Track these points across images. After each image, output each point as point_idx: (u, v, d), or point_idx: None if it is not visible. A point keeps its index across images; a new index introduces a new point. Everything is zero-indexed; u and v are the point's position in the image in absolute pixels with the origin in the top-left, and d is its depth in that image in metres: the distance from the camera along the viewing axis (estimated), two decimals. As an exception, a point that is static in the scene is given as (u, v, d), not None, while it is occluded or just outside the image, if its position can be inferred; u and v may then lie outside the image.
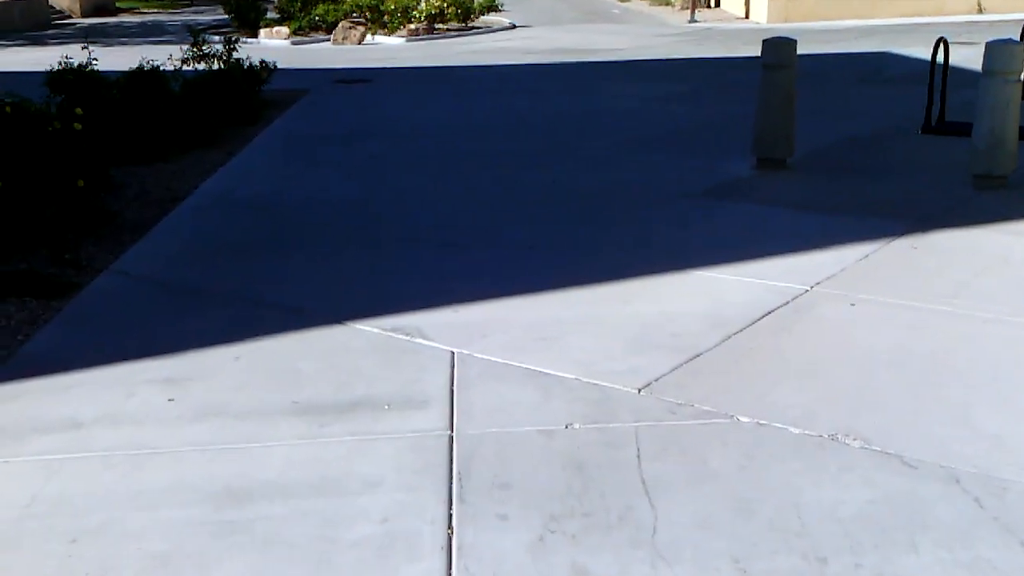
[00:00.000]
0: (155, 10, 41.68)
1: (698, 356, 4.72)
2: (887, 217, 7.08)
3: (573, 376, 4.53)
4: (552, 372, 4.59)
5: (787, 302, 5.42)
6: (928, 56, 17.34)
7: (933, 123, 10.47)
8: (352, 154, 10.05)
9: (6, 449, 4.11)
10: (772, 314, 5.24)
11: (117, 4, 41.97)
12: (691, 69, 17.23)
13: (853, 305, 5.37)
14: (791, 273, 5.89)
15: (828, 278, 5.79)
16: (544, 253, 6.53)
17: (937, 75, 10.27)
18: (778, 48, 8.76)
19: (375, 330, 5.19)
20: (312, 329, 5.24)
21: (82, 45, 10.51)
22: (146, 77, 11.33)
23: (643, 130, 10.99)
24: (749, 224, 7.07)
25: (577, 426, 4.06)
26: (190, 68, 12.76)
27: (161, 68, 11.45)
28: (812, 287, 5.64)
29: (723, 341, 4.90)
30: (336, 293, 5.81)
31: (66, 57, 10.23)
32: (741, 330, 5.03)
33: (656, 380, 4.46)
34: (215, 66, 12.90)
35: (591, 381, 4.47)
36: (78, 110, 7.28)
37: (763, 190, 8.09)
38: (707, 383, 4.44)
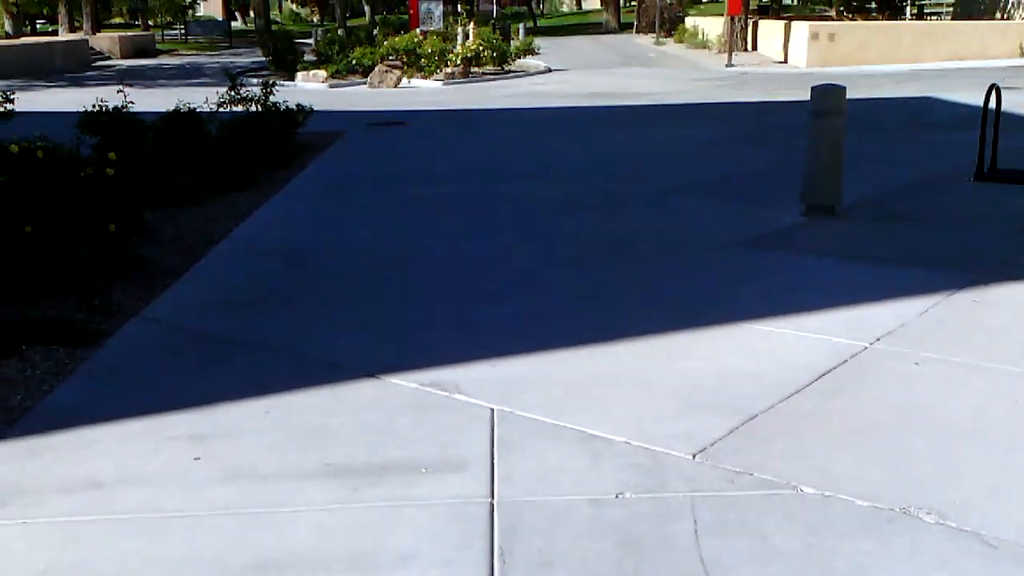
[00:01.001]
0: (194, 52, 42.20)
1: (754, 418, 4.44)
2: (944, 269, 6.77)
3: (622, 439, 4.26)
4: (599, 434, 4.32)
5: (846, 360, 5.12)
6: (972, 101, 17.27)
7: (985, 170, 10.17)
8: (386, 199, 9.88)
9: (25, 509, 3.89)
10: (831, 373, 4.95)
11: (157, 46, 42.53)
12: (731, 113, 17.03)
13: (917, 364, 5.07)
14: (849, 328, 5.60)
15: (888, 334, 5.49)
16: (586, 303, 6.27)
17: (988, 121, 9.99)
18: (827, 94, 8.51)
19: (411, 385, 4.95)
20: (345, 383, 5.00)
21: (117, 89, 10.42)
22: (182, 119, 11.27)
23: (686, 176, 10.75)
24: (801, 275, 6.79)
25: (628, 495, 3.78)
26: (226, 111, 12.71)
27: (197, 110, 11.39)
28: (871, 344, 5.35)
29: (780, 402, 4.61)
30: (370, 345, 5.57)
31: (100, 100, 10.15)
32: (799, 390, 4.74)
33: (711, 445, 4.18)
34: (252, 108, 12.85)
35: (642, 445, 4.19)
36: (112, 155, 7.14)
37: (814, 239, 7.80)
38: (766, 449, 4.15)
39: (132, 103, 10.67)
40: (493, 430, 4.39)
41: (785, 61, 28.29)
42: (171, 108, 11.05)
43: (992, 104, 9.98)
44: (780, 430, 4.33)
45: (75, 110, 10.59)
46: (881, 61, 26.40)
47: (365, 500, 3.83)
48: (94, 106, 10.41)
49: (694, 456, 4.09)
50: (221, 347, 5.65)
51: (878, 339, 5.41)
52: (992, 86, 10.13)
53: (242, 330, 5.93)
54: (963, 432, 4.30)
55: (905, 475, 3.92)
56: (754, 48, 32.03)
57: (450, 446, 4.26)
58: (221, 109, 12.54)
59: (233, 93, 12.90)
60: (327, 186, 10.73)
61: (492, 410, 4.61)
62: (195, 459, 4.23)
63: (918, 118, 15.66)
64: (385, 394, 4.87)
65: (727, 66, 27.56)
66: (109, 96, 10.51)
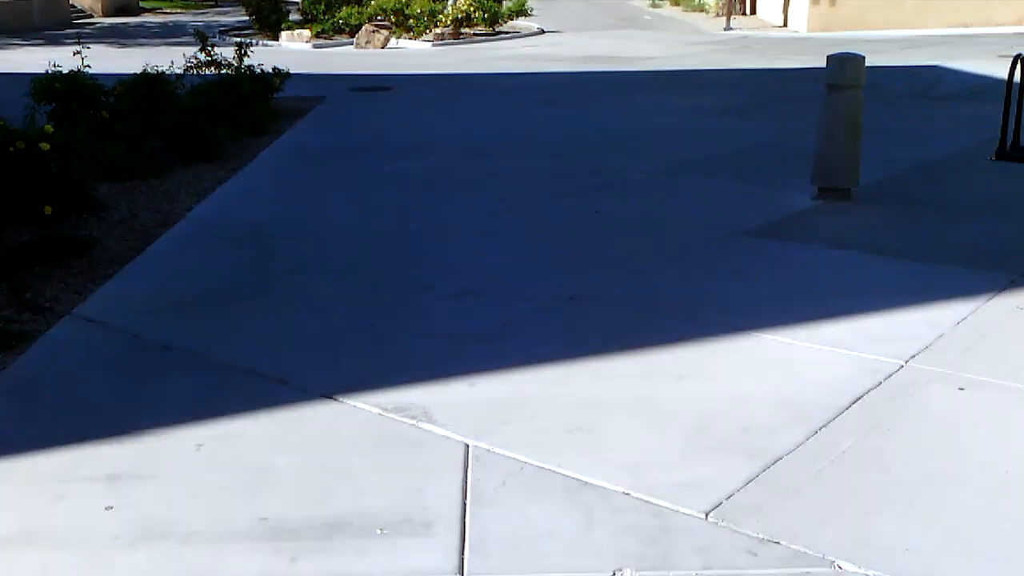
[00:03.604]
0: (179, 10, 41.00)
1: (778, 462, 3.73)
2: (978, 267, 6.07)
3: (621, 489, 3.55)
4: (593, 481, 3.61)
5: (879, 383, 4.41)
6: (982, 71, 16.49)
7: (1008, 147, 9.43)
8: (364, 173, 9.10)
9: None
10: (862, 401, 4.24)
11: (140, 4, 41.35)
12: (732, 81, 16.20)
13: (962, 390, 4.36)
14: (877, 341, 4.89)
15: (923, 349, 4.78)
16: (579, 307, 5.53)
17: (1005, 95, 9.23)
18: (844, 65, 7.73)
19: (372, 409, 4.23)
20: (296, 406, 4.28)
21: (74, 51, 9.59)
22: (148, 84, 10.46)
23: (687, 151, 9.98)
24: (818, 272, 6.07)
25: (628, 574, 3.07)
26: (196, 74, 11.88)
27: (165, 74, 10.58)
28: (906, 361, 4.64)
29: (806, 440, 3.90)
30: (328, 357, 4.83)
31: (53, 64, 9.34)
32: (827, 424, 4.03)
33: (728, 498, 3.47)
34: (225, 71, 12.03)
35: (644, 498, 3.49)
36: (48, 127, 6.36)
37: (829, 228, 7.06)
38: (793, 506, 3.45)
39: (89, 65, 9.88)
40: (467, 475, 3.67)
41: (785, 25, 27.37)
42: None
43: (1017, 78, 9.24)
44: (809, 479, 3.62)
45: (44, 71, 9.81)
46: (884, 26, 25.52)
47: (304, 575, 3.12)
48: (48, 70, 9.64)
49: (707, 515, 3.39)
50: (159, 356, 4.91)
51: (913, 356, 4.70)
52: (1017, 57, 9.36)
53: (186, 334, 5.18)
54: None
55: (960, 545, 3.23)
56: (752, 12, 31.05)
57: (414, 495, 3.55)
58: (190, 73, 11.73)
59: (203, 55, 12.06)
60: (301, 158, 9.94)
61: (466, 446, 3.89)
62: (107, 508, 3.52)
63: (928, 88, 14.88)
64: (342, 422, 4.14)
65: (725, 30, 26.64)
66: (86, 55, 9.67)
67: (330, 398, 4.35)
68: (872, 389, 4.35)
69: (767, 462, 3.72)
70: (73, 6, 35.59)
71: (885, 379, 4.45)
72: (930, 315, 5.24)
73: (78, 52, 9.63)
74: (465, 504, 3.48)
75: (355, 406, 4.26)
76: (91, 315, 5.49)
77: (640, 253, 6.49)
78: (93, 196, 7.70)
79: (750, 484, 3.57)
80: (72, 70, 9.73)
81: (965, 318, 5.19)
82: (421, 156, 9.91)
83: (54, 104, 9.66)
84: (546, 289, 5.78)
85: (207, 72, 12.03)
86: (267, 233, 7.14)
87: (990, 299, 5.46)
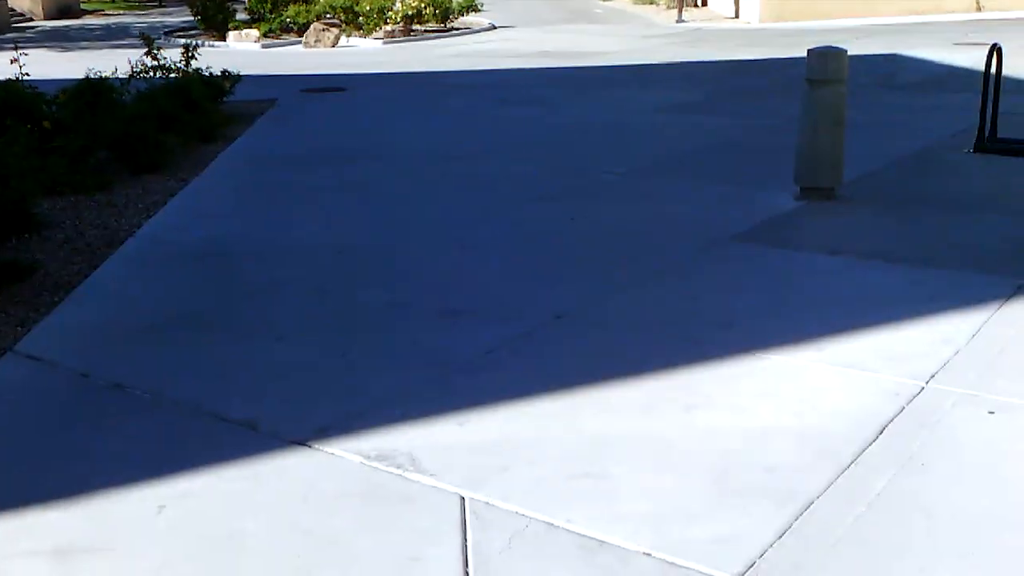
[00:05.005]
0: (121, 11, 40.07)
1: (810, 507, 3.36)
2: (980, 270, 5.77)
3: (642, 548, 3.16)
4: (608, 539, 3.21)
5: (902, 408, 4.07)
6: (941, 59, 16.33)
7: (985, 139, 9.19)
8: (323, 181, 8.64)
9: None
10: (889, 430, 3.89)
11: (82, 5, 40.36)
12: (692, 74, 15.90)
13: (992, 413, 4.03)
14: (892, 359, 4.54)
15: (942, 367, 4.45)
16: (567, 327, 5.13)
17: (982, 85, 8.97)
18: (826, 60, 7.40)
19: (352, 458, 3.80)
20: (266, 456, 3.84)
21: (11, 58, 9.03)
22: (92, 91, 9.93)
23: (656, 149, 9.63)
24: (814, 281, 5.72)
25: (664, 658, 2.69)
26: (147, 77, 11.35)
27: (109, 79, 10.06)
28: (926, 382, 4.30)
29: (836, 479, 3.54)
30: (299, 394, 4.39)
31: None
32: (856, 459, 3.67)
33: (760, 556, 3.09)
34: (172, 76, 11.49)
35: (669, 559, 3.09)
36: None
37: (818, 231, 6.75)
38: (836, 563, 3.07)
39: (27, 74, 9.33)
40: (466, 536, 3.26)
41: (736, 16, 27.17)
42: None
43: (992, 69, 8.99)
44: (848, 527, 3.25)
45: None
46: (836, 15, 25.38)
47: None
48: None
49: (741, 579, 3.01)
50: (110, 398, 4.43)
51: (933, 375, 4.36)
52: (993, 47, 9.10)
53: (140, 370, 4.71)
54: (1087, 526, 3.27)
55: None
56: (704, 3, 30.83)
57: (409, 567, 3.13)
58: (136, 77, 11.19)
59: (149, 59, 11.52)
60: (255, 166, 9.45)
61: (462, 499, 3.48)
62: (54, 593, 3.08)
63: (890, 78, 14.67)
64: (320, 474, 3.71)
65: (678, 22, 26.41)
66: (28, 60, 9.11)
67: (303, 444, 3.91)
68: (896, 416, 4.00)
69: (799, 508, 3.35)
70: (12, 9, 34.59)
71: (908, 404, 4.11)
72: (941, 327, 4.91)
73: (15, 60, 9.09)
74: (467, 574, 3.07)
75: (331, 454, 3.84)
76: (34, 351, 5.00)
77: (624, 263, 6.11)
78: (34, 214, 7.20)
79: (785, 537, 3.19)
80: (9, 78, 9.18)
81: (979, 330, 4.86)
82: (381, 160, 9.47)
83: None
84: (530, 307, 5.37)
85: (154, 76, 11.50)
86: (224, 251, 6.67)
87: (1000, 307, 5.15)
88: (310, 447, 3.89)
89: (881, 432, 3.87)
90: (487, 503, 3.45)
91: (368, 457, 3.79)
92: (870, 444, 3.78)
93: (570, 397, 4.25)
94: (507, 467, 3.69)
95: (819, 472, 3.58)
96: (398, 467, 3.71)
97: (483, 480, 3.60)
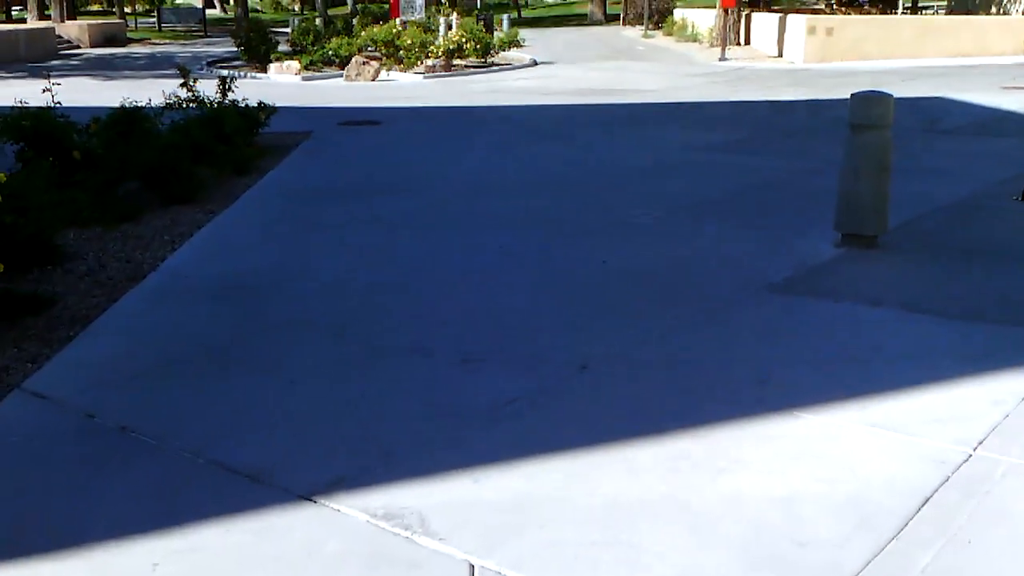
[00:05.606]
0: (167, 41, 40.65)
1: (848, 588, 3.11)
2: (1033, 326, 5.49)
3: (662, 630, 2.93)
4: (626, 616, 2.99)
5: (947, 477, 3.81)
6: (988, 103, 16.01)
7: (1032, 188, 8.91)
8: (352, 216, 8.50)
9: None
10: (933, 501, 3.63)
11: (130, 35, 40.95)
12: (732, 114, 15.72)
13: (1046, 485, 3.76)
14: (937, 422, 4.28)
15: (991, 432, 4.18)
16: (593, 378, 4.90)
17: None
18: (870, 104, 7.16)
19: (359, 516, 3.60)
20: (271, 511, 3.64)
21: (43, 88, 9.00)
22: (125, 121, 9.90)
23: (694, 190, 9.42)
24: (856, 335, 5.46)
25: None
26: (184, 108, 11.31)
27: (144, 109, 10.03)
28: (974, 449, 4.03)
29: (877, 555, 3.28)
30: (308, 443, 4.19)
31: (20, 101, 8.74)
32: (897, 534, 3.41)
33: (793, 644, 2.85)
34: (208, 107, 11.45)
35: (691, 644, 2.86)
36: (0, 175, 5.75)
37: (860, 281, 6.48)
38: (874, 653, 2.83)
39: (59, 103, 9.30)
40: (473, 608, 3.05)
41: (780, 55, 27.00)
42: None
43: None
44: (887, 612, 3.00)
45: (25, 105, 9.23)
46: (880, 56, 25.15)
47: None
48: (14, 107, 9.05)
49: (772, 668, 2.77)
50: (114, 441, 4.26)
51: (981, 442, 4.10)
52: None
53: (147, 412, 4.54)
54: None
55: None
56: (747, 42, 30.70)
57: (410, 638, 2.92)
58: (172, 108, 11.15)
59: (185, 91, 11.48)
60: (285, 199, 9.35)
61: (471, 567, 3.26)
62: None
63: (937, 122, 14.38)
64: (325, 532, 3.51)
65: (720, 60, 26.27)
66: (68, 88, 9.09)
67: (309, 500, 3.71)
68: (941, 486, 3.74)
69: (834, 588, 3.10)
70: (60, 37, 35.15)
71: (953, 472, 3.84)
72: (990, 387, 4.64)
73: (48, 89, 9.06)
74: (474, 654, 2.85)
75: (338, 511, 3.63)
76: (42, 389, 4.85)
77: (656, 311, 5.88)
78: (58, 246, 7.12)
79: (820, 622, 2.95)
80: (41, 107, 9.15)
81: (1030, 391, 4.59)
82: (412, 195, 9.33)
83: (22, 144, 9.07)
84: (555, 356, 5.15)
85: (188, 107, 11.47)
86: (246, 285, 6.52)
87: (1054, 367, 4.87)
88: (315, 502, 3.69)
89: (924, 504, 3.61)
90: (499, 573, 3.22)
91: (375, 516, 3.58)
92: (912, 517, 3.52)
93: (590, 455, 4.02)
94: (521, 530, 3.47)
95: (857, 547, 3.33)
96: (406, 528, 3.50)
97: (496, 544, 3.38)
